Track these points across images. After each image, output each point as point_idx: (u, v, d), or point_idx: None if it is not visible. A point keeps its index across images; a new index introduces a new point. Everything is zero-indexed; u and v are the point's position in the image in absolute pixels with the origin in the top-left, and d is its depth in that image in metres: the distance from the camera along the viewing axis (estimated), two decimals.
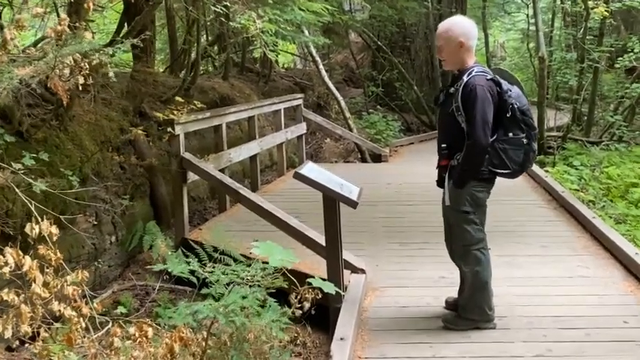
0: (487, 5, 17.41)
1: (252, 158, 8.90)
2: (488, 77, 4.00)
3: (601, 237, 6.07)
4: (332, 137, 13.18)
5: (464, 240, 4.16)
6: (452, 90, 4.12)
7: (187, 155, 6.54)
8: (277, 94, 12.59)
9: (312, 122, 11.71)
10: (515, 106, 3.99)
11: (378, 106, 15.01)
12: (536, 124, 4.09)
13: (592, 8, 9.62)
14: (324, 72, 11.83)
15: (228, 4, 5.01)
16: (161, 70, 11.50)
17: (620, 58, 11.44)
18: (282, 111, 10.15)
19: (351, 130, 11.76)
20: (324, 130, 12.63)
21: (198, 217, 8.02)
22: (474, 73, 4.00)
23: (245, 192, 5.99)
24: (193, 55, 9.35)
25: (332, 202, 4.38)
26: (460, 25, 4.11)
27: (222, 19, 5.53)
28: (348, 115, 11.82)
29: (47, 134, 5.88)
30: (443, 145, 4.18)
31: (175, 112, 5.30)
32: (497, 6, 23.10)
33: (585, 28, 10.76)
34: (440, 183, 4.27)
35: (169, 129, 6.18)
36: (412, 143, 13.89)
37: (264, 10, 5.43)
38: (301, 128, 11.03)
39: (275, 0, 5.78)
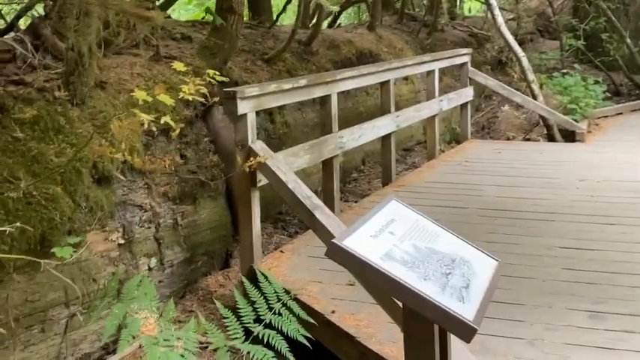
0: None
1: (385, 139, 6.50)
2: None
3: None
4: (512, 104, 10.28)
5: None
6: None
7: (258, 145, 4.34)
8: (444, 49, 9.96)
9: (482, 86, 8.99)
10: None
11: (576, 65, 11.72)
12: None
13: None
14: (500, 19, 8.92)
15: None
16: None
17: None
18: (437, 72, 7.56)
19: (535, 97, 8.83)
20: (501, 95, 9.78)
21: (297, 225, 5.83)
22: None
23: (323, 216, 3.66)
24: None
25: (419, 321, 1.90)
26: None
27: None
28: (531, 77, 8.87)
29: None
30: None
31: (192, 84, 3.00)
32: None
33: None
34: None
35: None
36: (620, 114, 10.53)
37: None
38: (466, 95, 8.37)
39: None
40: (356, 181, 7.31)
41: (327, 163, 5.41)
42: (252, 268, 4.37)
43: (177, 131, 3.10)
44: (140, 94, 2.72)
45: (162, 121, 2.89)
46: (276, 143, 5.92)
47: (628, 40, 11.84)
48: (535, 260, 4.44)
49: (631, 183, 6.19)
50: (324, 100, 5.37)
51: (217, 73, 3.02)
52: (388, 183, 6.54)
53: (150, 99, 2.71)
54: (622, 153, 7.53)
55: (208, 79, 2.93)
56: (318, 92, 5.21)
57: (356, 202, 6.46)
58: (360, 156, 7.60)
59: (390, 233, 2.06)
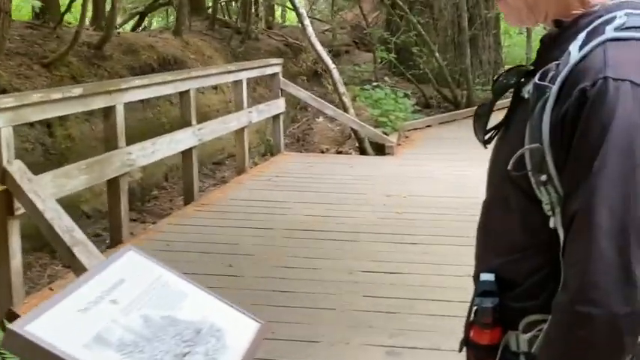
0: None
1: (186, 154, 5.99)
2: None
3: None
4: (326, 116, 10.19)
5: None
6: (526, 92, 1.16)
7: (15, 167, 3.65)
8: (259, 58, 9.64)
9: (295, 98, 8.75)
10: None
11: (386, 78, 11.94)
12: None
13: None
14: (310, 29, 8.77)
15: None
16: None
17: None
18: (244, 82, 7.17)
19: (346, 109, 8.75)
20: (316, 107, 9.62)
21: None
22: (610, 36, 1.04)
23: (85, 254, 3.08)
24: None
25: None
26: None
27: None
28: (342, 89, 8.79)
29: None
30: (484, 278, 1.18)
31: None
32: None
33: None
34: None
35: None
36: (430, 126, 10.79)
37: None
38: (277, 106, 8.07)
39: None
40: (156, 199, 6.71)
41: (113, 183, 4.80)
42: (10, 313, 3.66)
43: None
44: None
45: None
46: (57, 160, 5.21)
47: (437, 54, 12.27)
48: (335, 287, 4.15)
49: (435, 198, 6.17)
50: (108, 112, 4.75)
51: None
52: (190, 202, 6.03)
53: None
54: (429, 166, 7.59)
55: None
56: (99, 103, 4.58)
57: (154, 223, 5.88)
58: (161, 171, 7.01)
59: (111, 302, 1.55)
